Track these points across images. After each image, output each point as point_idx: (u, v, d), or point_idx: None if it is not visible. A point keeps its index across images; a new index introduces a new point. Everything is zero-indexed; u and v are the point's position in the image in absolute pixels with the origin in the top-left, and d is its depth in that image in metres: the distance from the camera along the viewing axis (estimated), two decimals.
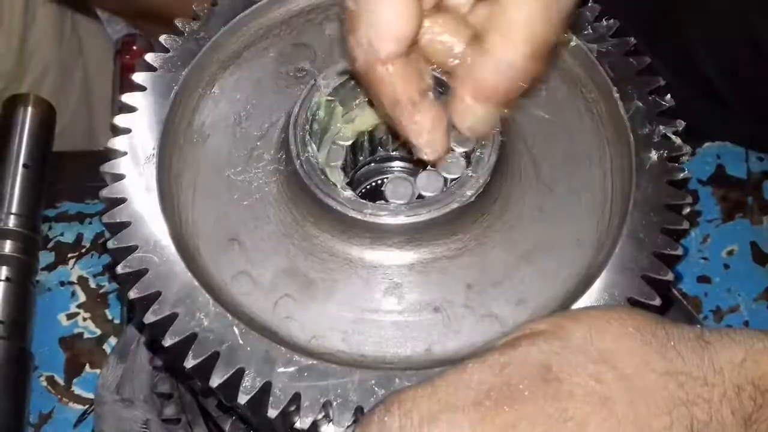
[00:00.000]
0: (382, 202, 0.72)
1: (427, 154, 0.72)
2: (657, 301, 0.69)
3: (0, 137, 1.28)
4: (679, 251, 0.72)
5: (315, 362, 0.64)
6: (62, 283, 1.27)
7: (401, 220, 0.70)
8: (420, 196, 0.72)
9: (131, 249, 0.69)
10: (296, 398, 0.63)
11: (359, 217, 0.70)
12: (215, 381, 0.64)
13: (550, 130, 0.80)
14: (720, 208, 1.41)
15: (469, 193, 0.71)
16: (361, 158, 0.85)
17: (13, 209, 1.21)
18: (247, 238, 0.74)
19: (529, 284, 0.72)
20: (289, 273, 0.72)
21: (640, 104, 0.79)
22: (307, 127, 0.74)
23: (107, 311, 1.24)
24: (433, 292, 0.71)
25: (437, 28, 0.72)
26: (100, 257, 1.29)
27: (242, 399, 0.63)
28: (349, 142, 0.81)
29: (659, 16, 1.35)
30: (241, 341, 0.65)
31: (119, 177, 0.73)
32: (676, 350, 0.57)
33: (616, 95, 0.79)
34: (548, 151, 0.79)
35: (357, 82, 0.77)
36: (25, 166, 1.25)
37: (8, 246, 1.18)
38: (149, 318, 0.66)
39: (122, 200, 0.72)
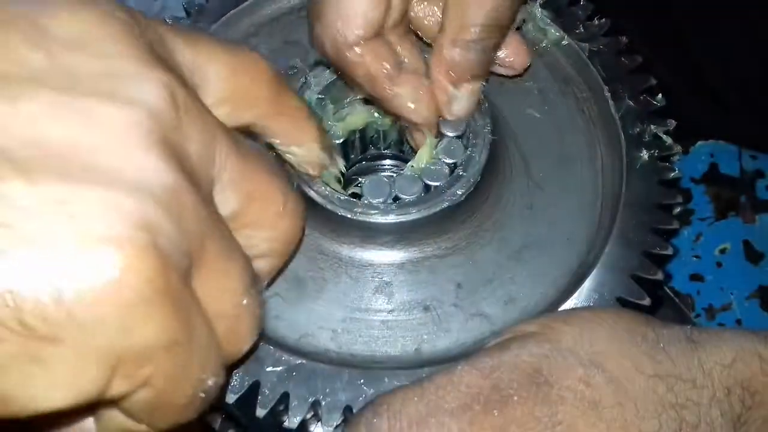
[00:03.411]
0: (371, 201, 0.71)
1: (417, 122, 0.73)
2: (647, 301, 0.69)
3: None
4: (669, 251, 0.72)
5: (304, 361, 0.64)
6: None
7: (391, 219, 0.70)
8: (397, 198, 0.72)
9: None
10: (285, 397, 0.63)
11: (349, 215, 0.70)
12: None
13: (541, 129, 0.80)
14: (713, 207, 1.41)
15: (459, 192, 0.71)
16: (352, 156, 0.85)
17: None
18: None
19: (519, 283, 0.72)
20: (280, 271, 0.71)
21: (632, 103, 0.78)
22: None
23: None
24: (423, 291, 0.71)
25: (423, 3, 0.73)
26: None
27: (230, 398, 0.63)
28: (341, 140, 0.80)
29: (658, 11, 1.34)
30: None
31: None
32: (665, 352, 0.57)
33: (608, 94, 0.79)
34: (539, 150, 0.79)
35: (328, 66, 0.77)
36: None
37: None
38: None
39: None
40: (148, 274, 0.39)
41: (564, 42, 0.83)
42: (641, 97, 0.79)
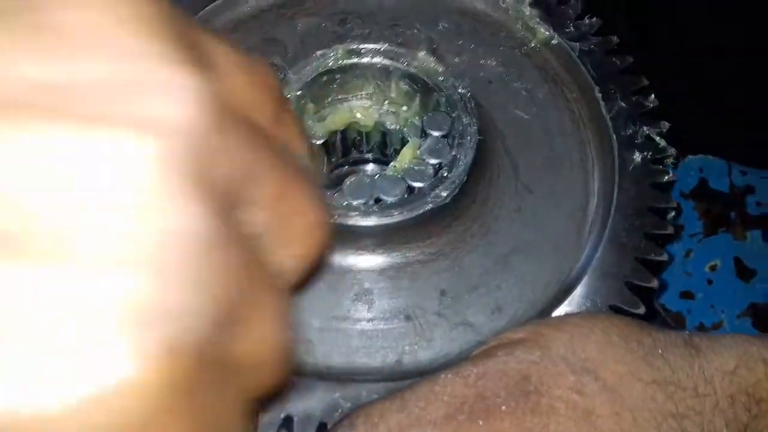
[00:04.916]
0: (351, 202, 0.67)
1: None
2: (641, 310, 0.65)
3: None
4: (664, 257, 0.69)
5: None
6: None
7: (372, 221, 0.66)
8: (378, 200, 0.68)
9: None
10: (254, 414, 0.58)
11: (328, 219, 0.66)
12: None
13: (530, 130, 0.77)
14: (702, 223, 1.39)
15: (444, 193, 0.67)
16: (333, 159, 0.81)
17: None
18: None
19: (507, 291, 0.68)
20: None
21: (623, 104, 0.75)
22: None
23: None
24: (405, 298, 0.67)
25: None
26: None
27: None
28: (321, 141, 0.77)
29: (654, 16, 1.32)
30: None
31: None
32: (663, 358, 0.53)
33: (598, 95, 0.76)
34: (527, 152, 0.75)
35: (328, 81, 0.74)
36: None
37: None
38: None
39: None
40: (166, 378, 0.30)
41: (553, 41, 0.80)
42: (633, 98, 0.76)
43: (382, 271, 0.68)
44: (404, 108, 0.78)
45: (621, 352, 0.53)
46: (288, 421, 0.58)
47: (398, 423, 0.50)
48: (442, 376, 0.52)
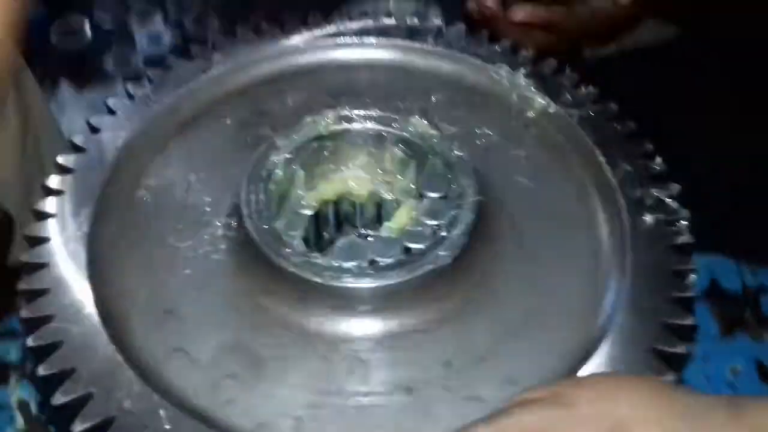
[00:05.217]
0: (342, 264, 0.62)
1: None
2: (671, 378, 0.58)
3: None
4: (691, 320, 0.62)
5: None
6: (0, 407, 1.11)
7: (367, 283, 0.60)
8: (373, 262, 0.63)
9: (46, 319, 0.58)
10: None
11: (318, 279, 0.60)
12: None
13: (531, 195, 0.73)
14: (718, 324, 1.32)
15: (444, 253, 0.62)
16: (326, 234, 0.76)
17: None
18: (187, 311, 0.63)
19: (519, 361, 0.61)
20: (234, 350, 0.60)
21: (629, 168, 0.72)
22: (262, 184, 0.67)
23: None
24: (406, 370, 0.60)
25: None
26: None
27: None
28: (311, 212, 0.72)
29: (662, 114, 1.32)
30: (167, 426, 0.53)
31: (43, 240, 0.64)
32: (704, 418, 0.46)
33: (602, 159, 0.73)
34: (531, 217, 0.71)
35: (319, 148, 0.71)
36: None
37: None
38: (58, 399, 0.54)
39: (42, 265, 0.62)
40: None
41: (551, 110, 0.78)
42: (639, 162, 0.72)
43: (379, 341, 0.61)
44: (399, 177, 0.74)
45: (654, 413, 0.46)
46: None
47: None
48: None
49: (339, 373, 0.60)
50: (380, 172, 0.75)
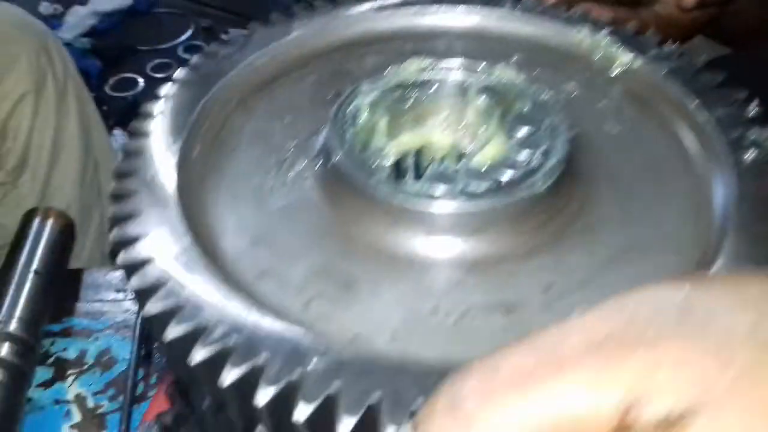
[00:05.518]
0: (434, 188, 0.60)
1: None
2: None
3: (15, 244, 1.19)
4: None
5: (356, 361, 0.49)
6: (57, 402, 1.10)
7: (461, 208, 0.59)
8: (464, 189, 0.61)
9: (145, 261, 0.57)
10: (330, 400, 0.47)
11: (410, 206, 0.59)
12: (227, 378, 0.48)
13: (623, 141, 0.70)
14: None
15: (538, 181, 0.60)
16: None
17: (17, 313, 1.08)
18: (276, 239, 0.61)
19: (622, 285, 0.56)
20: (325, 272, 0.59)
21: (723, 112, 0.69)
22: (347, 125, 0.66)
23: None
24: (503, 292, 0.57)
25: None
26: (102, 374, 1.13)
27: (261, 400, 0.47)
28: (392, 160, 0.71)
29: None
30: (263, 333, 0.51)
31: (131, 173, 0.64)
32: None
33: (694, 105, 0.70)
34: (624, 159, 0.68)
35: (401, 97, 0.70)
36: (36, 272, 1.15)
37: (6, 349, 1.04)
38: (171, 333, 0.52)
39: (133, 192, 0.62)
40: None
41: (636, 65, 0.76)
42: (733, 107, 0.70)
43: (474, 264, 0.59)
44: (483, 128, 0.73)
45: None
46: (370, 408, 0.46)
47: (522, 363, 0.39)
48: (575, 316, 0.42)
49: (434, 293, 0.57)
50: (463, 123, 0.73)
